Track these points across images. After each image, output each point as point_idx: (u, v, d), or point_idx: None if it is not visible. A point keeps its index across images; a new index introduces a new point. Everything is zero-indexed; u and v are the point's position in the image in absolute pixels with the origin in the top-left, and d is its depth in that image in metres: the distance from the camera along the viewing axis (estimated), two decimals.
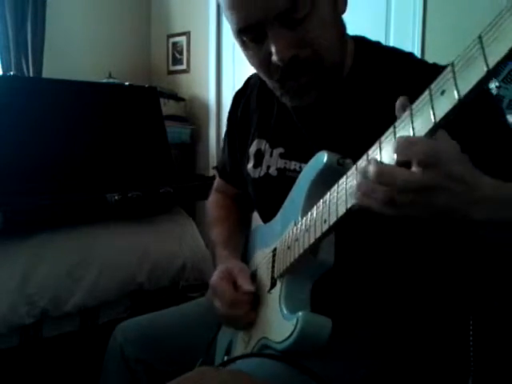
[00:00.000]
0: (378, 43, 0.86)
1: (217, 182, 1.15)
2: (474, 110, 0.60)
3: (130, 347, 1.00)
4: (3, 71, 2.79)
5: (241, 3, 0.71)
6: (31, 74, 2.85)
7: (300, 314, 0.67)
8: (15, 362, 1.65)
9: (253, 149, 0.94)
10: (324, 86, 0.78)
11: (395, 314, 0.80)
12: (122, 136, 2.13)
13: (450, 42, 2.05)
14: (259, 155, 0.93)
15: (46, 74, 2.93)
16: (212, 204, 1.12)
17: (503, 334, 0.85)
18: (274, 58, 0.73)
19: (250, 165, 0.95)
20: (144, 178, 2.08)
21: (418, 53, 2.23)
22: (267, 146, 0.91)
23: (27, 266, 1.67)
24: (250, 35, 0.75)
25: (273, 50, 0.73)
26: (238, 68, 3.02)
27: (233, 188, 1.09)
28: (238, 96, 1.03)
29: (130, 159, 2.10)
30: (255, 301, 0.82)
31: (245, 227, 1.07)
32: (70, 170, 1.92)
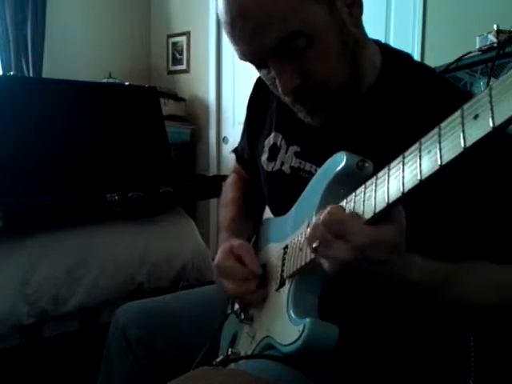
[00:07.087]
0: (407, 57, 0.82)
1: (235, 164, 1.14)
2: (489, 152, 0.58)
3: (133, 327, 1.00)
4: (3, 71, 2.79)
5: (237, 39, 0.70)
6: (31, 74, 2.85)
7: (307, 320, 0.66)
8: (15, 361, 1.65)
9: (268, 141, 0.93)
10: (334, 106, 0.76)
11: (398, 319, 0.80)
12: (122, 136, 2.13)
13: (450, 41, 2.05)
14: (274, 149, 0.91)
15: (45, 74, 2.93)
16: (227, 185, 1.11)
17: (504, 338, 0.85)
18: (279, 89, 0.73)
19: (265, 157, 0.93)
20: (144, 178, 2.08)
21: (418, 53, 2.23)
22: (283, 141, 0.90)
23: (27, 266, 1.67)
24: (254, 64, 0.74)
25: (276, 81, 0.72)
26: (238, 68, 3.02)
27: (248, 175, 1.08)
28: (260, 83, 0.98)
29: (130, 159, 2.10)
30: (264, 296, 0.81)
31: (257, 211, 1.06)
32: (70, 170, 1.92)
